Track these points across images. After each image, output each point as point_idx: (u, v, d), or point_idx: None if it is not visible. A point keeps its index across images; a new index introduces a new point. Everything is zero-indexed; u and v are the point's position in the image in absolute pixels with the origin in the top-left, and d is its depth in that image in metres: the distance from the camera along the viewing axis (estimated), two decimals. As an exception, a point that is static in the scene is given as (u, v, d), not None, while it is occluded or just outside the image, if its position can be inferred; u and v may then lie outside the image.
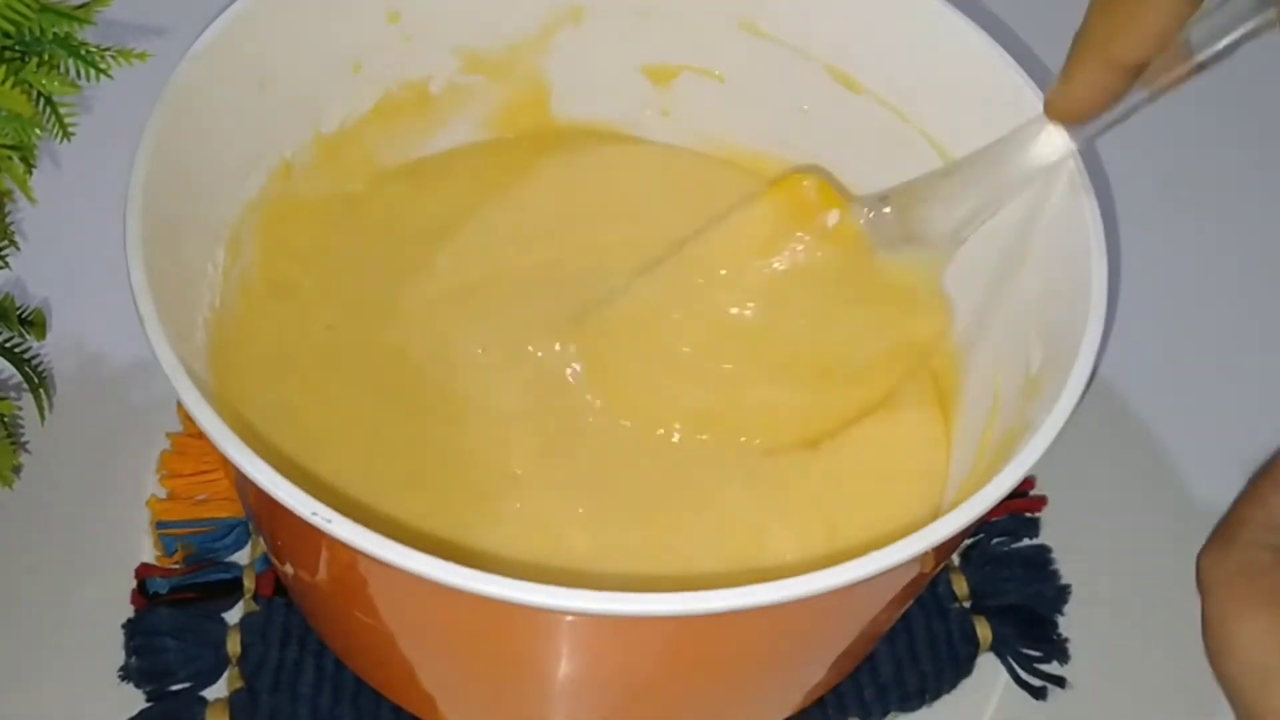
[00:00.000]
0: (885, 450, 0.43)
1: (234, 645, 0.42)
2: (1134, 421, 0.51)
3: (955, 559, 0.46)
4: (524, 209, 0.48)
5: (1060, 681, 0.44)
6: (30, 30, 0.35)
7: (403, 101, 0.47)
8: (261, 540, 0.43)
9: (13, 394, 0.47)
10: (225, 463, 0.31)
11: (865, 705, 0.43)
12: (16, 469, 0.45)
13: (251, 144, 0.42)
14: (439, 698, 0.39)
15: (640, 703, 0.38)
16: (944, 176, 0.39)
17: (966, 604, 0.45)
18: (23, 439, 0.46)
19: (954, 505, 0.31)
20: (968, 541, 0.47)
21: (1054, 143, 0.37)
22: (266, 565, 0.44)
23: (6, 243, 0.44)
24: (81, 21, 0.35)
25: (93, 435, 0.47)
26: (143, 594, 0.43)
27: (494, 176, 0.49)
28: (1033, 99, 0.39)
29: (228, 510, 0.45)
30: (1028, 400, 0.37)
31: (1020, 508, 0.47)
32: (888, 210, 0.41)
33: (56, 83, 0.35)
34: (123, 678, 0.42)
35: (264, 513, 0.35)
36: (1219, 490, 0.46)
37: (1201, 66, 0.32)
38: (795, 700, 0.41)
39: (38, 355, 0.46)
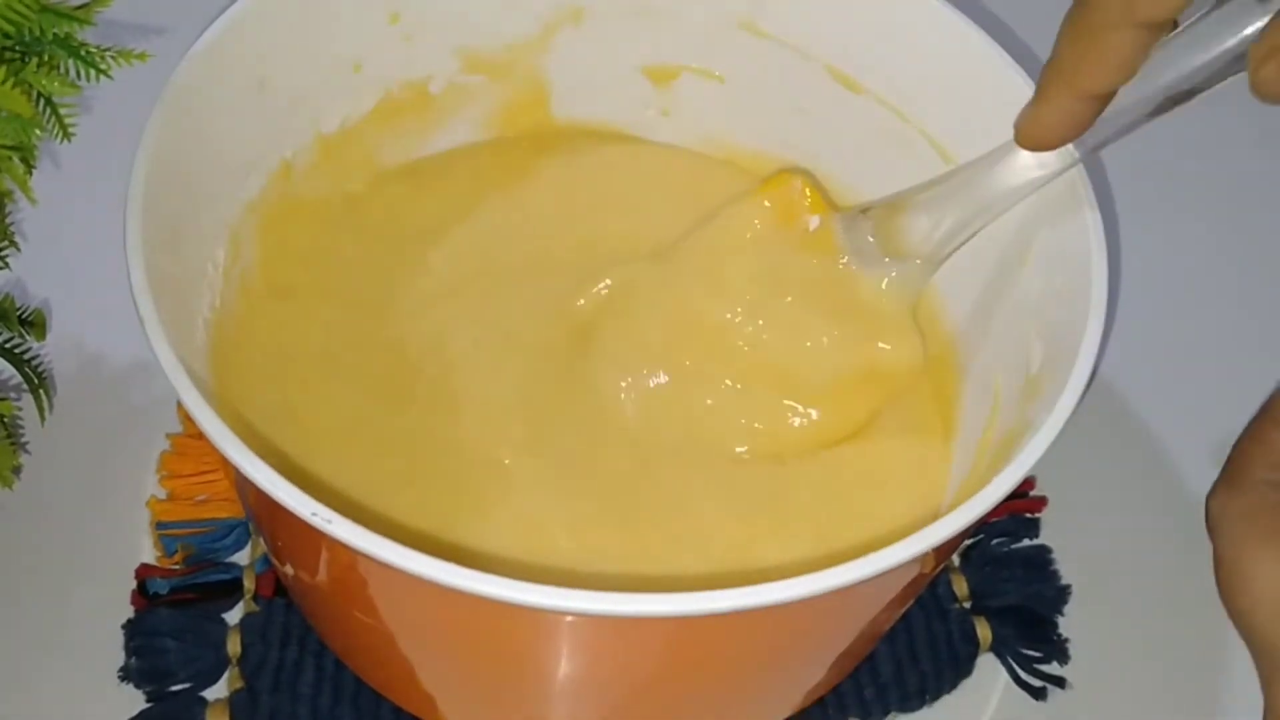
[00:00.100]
0: (885, 450, 0.43)
1: (234, 646, 0.42)
2: (1134, 421, 0.51)
3: (955, 559, 0.46)
4: (523, 207, 0.48)
5: (1060, 681, 0.44)
6: (30, 31, 0.35)
7: (403, 102, 0.47)
8: (261, 541, 0.43)
9: (13, 394, 0.47)
10: (225, 463, 0.31)
11: (865, 705, 0.43)
12: (16, 469, 0.45)
13: (251, 144, 0.42)
14: (439, 698, 0.39)
15: (640, 703, 0.38)
16: (927, 188, 0.39)
17: (966, 604, 0.45)
18: (23, 439, 0.46)
19: (954, 506, 0.31)
20: (968, 542, 0.47)
21: (1038, 160, 0.37)
22: (266, 566, 0.44)
23: (6, 243, 0.44)
24: (81, 22, 0.35)
25: (93, 435, 0.47)
26: (143, 594, 0.43)
27: (494, 176, 0.49)
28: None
29: (228, 511, 0.45)
30: (1028, 400, 0.37)
31: (1020, 508, 0.47)
32: (867, 221, 0.41)
33: (56, 83, 0.35)
34: (123, 678, 0.42)
35: (264, 513, 0.35)
36: (1219, 490, 0.46)
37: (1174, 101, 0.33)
38: (795, 700, 0.41)
39: (38, 356, 0.46)
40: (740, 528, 0.41)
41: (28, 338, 0.46)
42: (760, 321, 0.42)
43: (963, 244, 0.39)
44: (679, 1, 0.46)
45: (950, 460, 0.43)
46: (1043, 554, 0.47)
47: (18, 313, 0.46)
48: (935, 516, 0.31)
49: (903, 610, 0.42)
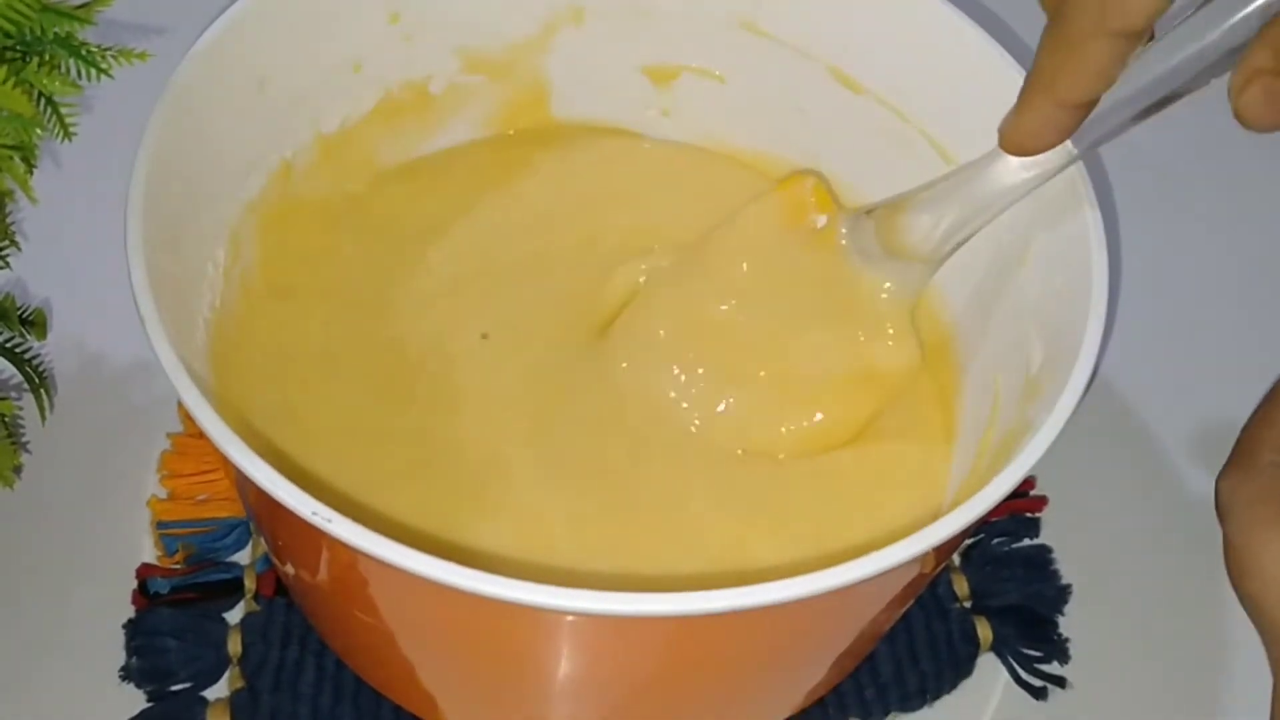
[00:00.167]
0: (885, 450, 0.43)
1: (235, 645, 0.42)
2: (1134, 421, 0.51)
3: (955, 559, 0.46)
4: (523, 203, 0.48)
5: (1060, 681, 0.44)
6: (31, 30, 0.35)
7: (403, 102, 0.47)
8: (262, 540, 0.43)
9: (13, 394, 0.47)
10: (226, 462, 0.31)
11: (865, 705, 0.43)
12: (17, 469, 0.45)
13: (252, 144, 0.42)
14: (439, 697, 0.39)
15: (640, 702, 0.38)
16: (927, 189, 0.39)
17: (967, 604, 0.45)
18: (23, 439, 0.46)
19: (954, 505, 0.31)
20: (968, 541, 0.47)
21: (1034, 159, 0.37)
22: (267, 565, 0.44)
23: (7, 243, 0.44)
24: (82, 21, 0.35)
25: (93, 435, 0.47)
26: (143, 594, 0.43)
27: (493, 173, 0.49)
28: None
29: (228, 510, 0.45)
30: (1028, 400, 0.37)
31: (1020, 508, 0.47)
32: (870, 221, 0.41)
33: (57, 83, 0.35)
34: (123, 678, 0.42)
35: (264, 512, 0.35)
36: (1219, 490, 0.46)
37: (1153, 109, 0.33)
38: (795, 700, 0.41)
39: (38, 355, 0.46)
40: (741, 527, 0.41)
41: (28, 337, 0.46)
42: (763, 320, 0.42)
43: (962, 244, 0.39)
44: (679, 1, 0.46)
45: (950, 460, 0.43)
46: (1043, 554, 0.47)
47: (18, 312, 0.46)
48: (935, 516, 0.31)
49: (903, 610, 0.42)
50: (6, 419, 0.43)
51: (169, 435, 0.47)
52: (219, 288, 0.41)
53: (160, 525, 0.44)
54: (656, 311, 0.43)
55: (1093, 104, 0.33)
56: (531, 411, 0.42)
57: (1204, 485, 0.47)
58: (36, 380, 0.45)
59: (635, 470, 0.41)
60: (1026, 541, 0.47)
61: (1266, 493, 0.43)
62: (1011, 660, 0.44)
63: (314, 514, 0.29)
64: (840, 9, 0.44)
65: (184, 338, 0.35)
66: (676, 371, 0.42)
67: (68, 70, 0.36)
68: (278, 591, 0.43)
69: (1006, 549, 0.47)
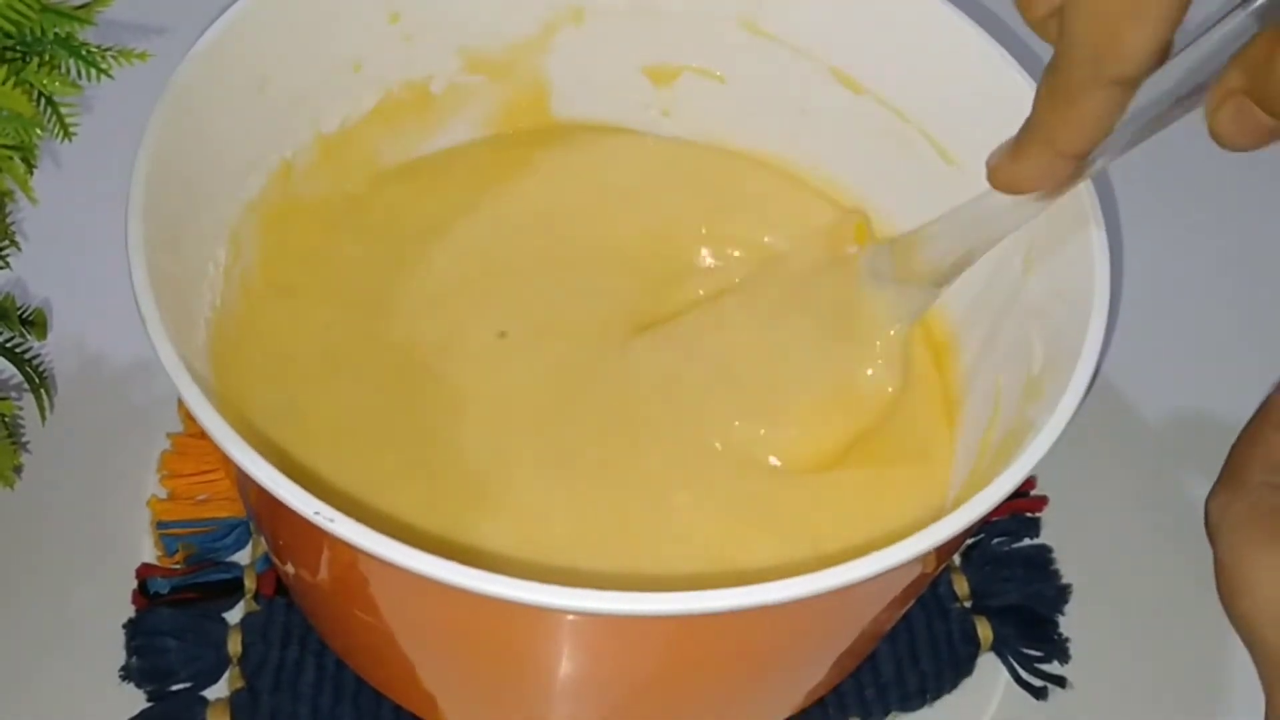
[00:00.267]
0: (886, 450, 0.43)
1: (235, 645, 0.42)
2: (1134, 421, 0.51)
3: (956, 559, 0.46)
4: (524, 202, 0.48)
5: (1060, 681, 0.44)
6: (31, 30, 0.35)
7: (403, 101, 0.47)
8: (262, 540, 0.43)
9: (13, 394, 0.47)
10: (227, 462, 0.31)
11: (866, 705, 0.43)
12: (17, 469, 0.45)
13: (252, 144, 0.42)
14: (439, 697, 0.39)
15: (640, 702, 0.38)
16: (941, 219, 0.39)
17: (967, 604, 0.45)
18: (23, 439, 0.46)
19: (956, 505, 0.31)
20: (969, 541, 0.47)
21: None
22: (267, 565, 0.44)
23: (7, 243, 0.44)
24: (82, 22, 0.35)
25: (93, 435, 0.47)
26: (144, 594, 0.43)
27: (494, 172, 0.49)
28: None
29: (229, 510, 0.45)
30: (1029, 401, 0.37)
31: (1021, 508, 0.47)
32: (887, 248, 0.41)
33: (57, 83, 0.35)
34: (123, 678, 0.42)
35: (265, 512, 0.35)
36: (1219, 490, 0.46)
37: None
38: (796, 700, 0.41)
39: (38, 355, 0.46)
40: (742, 528, 0.41)
41: (28, 337, 0.46)
42: (778, 334, 0.42)
43: (966, 268, 0.39)
44: (680, 1, 0.46)
45: (952, 460, 0.43)
46: (1043, 554, 0.47)
47: (18, 312, 0.46)
48: (937, 516, 0.31)
49: (904, 610, 0.42)
50: (6, 419, 0.43)
51: (169, 435, 0.47)
52: (219, 287, 0.41)
53: (160, 525, 0.44)
54: (704, 326, 0.44)
55: (1088, 154, 0.33)
56: (539, 410, 0.42)
57: (1203, 486, 0.47)
58: (36, 380, 0.45)
59: (638, 471, 0.41)
60: (1027, 541, 0.47)
61: (1256, 512, 0.43)
62: (1012, 660, 0.44)
63: (316, 513, 0.29)
64: (841, 9, 0.44)
65: (185, 337, 0.35)
66: (700, 381, 0.42)
67: (68, 70, 0.36)
68: (278, 591, 0.43)
69: (1007, 549, 0.47)
